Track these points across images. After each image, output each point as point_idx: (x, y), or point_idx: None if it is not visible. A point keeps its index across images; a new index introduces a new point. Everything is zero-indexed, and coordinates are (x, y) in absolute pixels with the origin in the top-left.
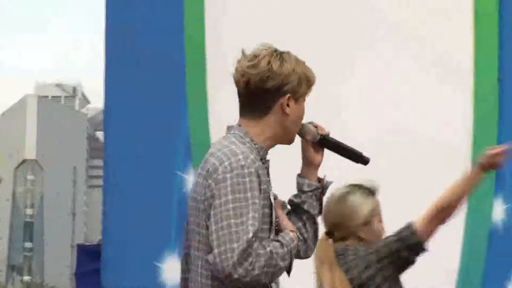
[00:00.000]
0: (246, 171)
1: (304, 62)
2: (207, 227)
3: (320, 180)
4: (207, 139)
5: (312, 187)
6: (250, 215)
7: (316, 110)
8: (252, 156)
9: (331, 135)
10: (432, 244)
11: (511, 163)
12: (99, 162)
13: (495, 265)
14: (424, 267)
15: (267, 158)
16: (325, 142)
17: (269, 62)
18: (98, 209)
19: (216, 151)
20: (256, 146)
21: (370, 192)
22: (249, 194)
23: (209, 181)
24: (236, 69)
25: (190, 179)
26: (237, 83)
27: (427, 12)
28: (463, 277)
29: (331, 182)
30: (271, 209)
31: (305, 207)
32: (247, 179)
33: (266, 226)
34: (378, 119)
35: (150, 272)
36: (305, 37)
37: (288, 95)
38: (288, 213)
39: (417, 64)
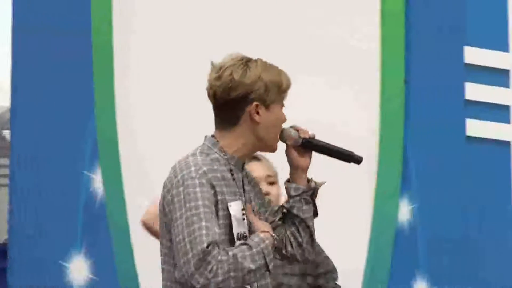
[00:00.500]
0: (197, 181)
1: (276, 68)
2: (169, 240)
3: (309, 182)
4: (115, 138)
5: (299, 191)
6: (203, 223)
7: None
8: (205, 168)
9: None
10: (338, 244)
11: (416, 164)
12: (5, 161)
13: (400, 265)
14: None
15: (243, 168)
16: (309, 145)
17: (231, 73)
18: (4, 208)
19: (177, 163)
20: (226, 157)
21: None
22: (200, 203)
23: (168, 196)
24: (207, 82)
25: (97, 178)
26: (208, 95)
27: (335, 12)
28: (369, 276)
29: (321, 183)
30: (230, 220)
31: (295, 211)
32: (197, 189)
33: (224, 237)
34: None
35: (56, 272)
36: (216, 44)
37: (255, 103)
38: (280, 219)
39: (324, 65)
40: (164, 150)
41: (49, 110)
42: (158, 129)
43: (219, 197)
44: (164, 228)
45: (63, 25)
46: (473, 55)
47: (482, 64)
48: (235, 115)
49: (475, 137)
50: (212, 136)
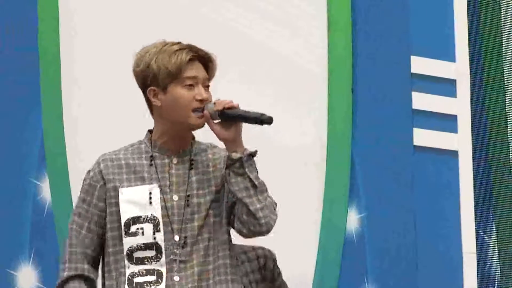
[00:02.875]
0: (87, 175)
1: (171, 50)
2: None
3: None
4: (62, 146)
5: (227, 163)
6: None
7: None
8: (102, 158)
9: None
10: (287, 253)
11: (364, 173)
12: None
13: (349, 273)
14: None
15: (168, 153)
16: (225, 117)
17: (133, 65)
18: None
19: None
20: (150, 145)
21: None
22: (81, 196)
23: None
24: None
25: (44, 186)
26: None
27: (281, 22)
28: (318, 284)
29: (249, 153)
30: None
31: (227, 185)
32: (85, 181)
33: (116, 224)
34: None
35: (4, 280)
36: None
37: (150, 88)
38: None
39: (270, 74)
40: None
41: None
42: (105, 136)
43: (110, 185)
44: None
45: (8, 28)
46: (420, 64)
47: (429, 73)
48: (148, 104)
49: (422, 147)
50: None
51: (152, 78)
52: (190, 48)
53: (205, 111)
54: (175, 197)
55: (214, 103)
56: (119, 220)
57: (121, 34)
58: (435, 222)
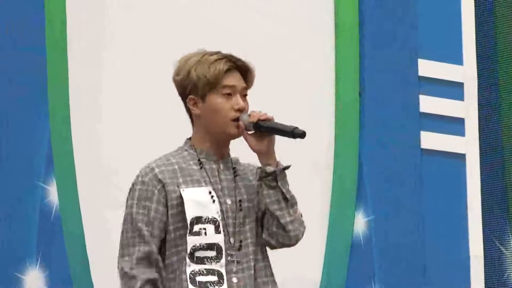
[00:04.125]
0: (139, 179)
1: (210, 59)
2: None
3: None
4: (70, 149)
5: (260, 175)
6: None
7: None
8: (153, 165)
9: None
10: (294, 256)
11: (372, 176)
12: None
13: (356, 276)
14: (286, 280)
15: (215, 159)
16: (259, 129)
17: (173, 74)
18: None
19: None
20: (195, 152)
21: None
22: (134, 202)
23: None
24: None
25: (52, 189)
26: None
27: (289, 25)
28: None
29: (283, 167)
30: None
31: (260, 196)
32: (138, 187)
33: (180, 224)
34: None
35: (12, 283)
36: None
37: (189, 96)
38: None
39: (278, 78)
40: (120, 160)
41: (1, 120)
42: (114, 139)
43: (170, 188)
44: None
45: (16, 26)
46: (427, 68)
47: (437, 77)
48: (188, 112)
49: (430, 150)
50: (190, 136)
51: (192, 87)
52: (229, 58)
53: (240, 122)
54: (228, 201)
55: (249, 115)
56: (184, 219)
57: (128, 34)
58: (443, 225)
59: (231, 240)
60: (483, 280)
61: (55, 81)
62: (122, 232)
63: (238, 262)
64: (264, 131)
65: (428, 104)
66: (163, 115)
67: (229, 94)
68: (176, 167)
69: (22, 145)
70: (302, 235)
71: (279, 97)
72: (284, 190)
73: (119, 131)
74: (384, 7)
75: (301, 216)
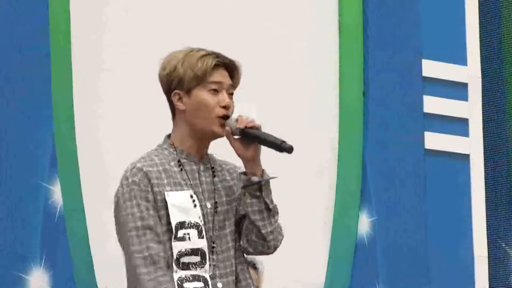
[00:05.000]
0: (130, 180)
1: (198, 54)
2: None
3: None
4: (74, 150)
5: (242, 183)
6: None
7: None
8: (139, 165)
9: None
10: (298, 258)
11: (376, 177)
12: None
13: (360, 278)
14: (289, 281)
15: (195, 160)
16: (246, 136)
17: (159, 69)
18: None
19: None
20: (175, 151)
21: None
22: (134, 202)
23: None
24: None
25: (56, 190)
26: None
27: (293, 26)
28: None
29: (268, 178)
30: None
31: (241, 204)
32: (132, 187)
33: (164, 228)
34: None
35: (16, 284)
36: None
37: (175, 91)
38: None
39: (283, 78)
40: (124, 160)
41: (6, 120)
42: (117, 139)
43: (156, 189)
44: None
45: (19, 26)
46: (431, 68)
47: (441, 77)
48: (171, 108)
49: (434, 150)
50: (170, 134)
51: (178, 81)
52: (217, 54)
53: (226, 127)
54: (208, 205)
55: (237, 120)
56: (167, 224)
57: (131, 34)
58: (447, 226)
59: (213, 244)
60: (488, 281)
61: (59, 82)
62: (128, 232)
63: (220, 266)
64: (251, 139)
65: (432, 104)
66: (167, 116)
67: (215, 90)
68: (160, 168)
69: (26, 146)
70: (280, 243)
71: (283, 97)
72: (267, 200)
73: (123, 132)
74: (388, 8)
75: (281, 225)
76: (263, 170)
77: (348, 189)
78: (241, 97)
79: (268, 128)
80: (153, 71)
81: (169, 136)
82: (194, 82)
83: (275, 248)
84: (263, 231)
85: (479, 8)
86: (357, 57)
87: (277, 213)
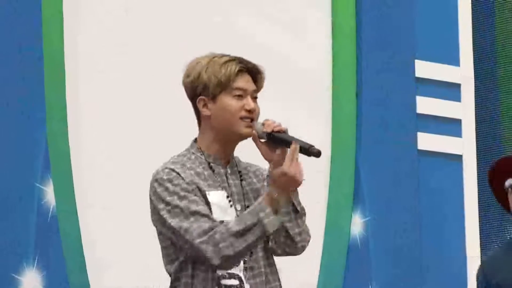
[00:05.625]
0: (165, 177)
1: (221, 61)
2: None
3: None
4: (67, 150)
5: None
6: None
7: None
8: (172, 166)
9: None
10: (291, 258)
11: (368, 177)
12: None
13: (353, 278)
14: (283, 282)
15: (222, 163)
16: (273, 140)
17: (183, 77)
18: None
19: None
20: (203, 155)
21: None
22: (181, 194)
23: (151, 205)
24: None
25: (49, 190)
26: None
27: (286, 26)
28: None
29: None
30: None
31: None
32: (169, 185)
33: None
34: None
35: (9, 284)
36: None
37: (200, 97)
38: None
39: (276, 79)
40: (117, 162)
41: None
42: (111, 140)
43: (194, 186)
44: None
45: (12, 27)
46: (424, 69)
47: (434, 78)
48: (197, 114)
49: (427, 151)
50: (196, 138)
51: (202, 88)
52: (240, 59)
53: (253, 131)
54: (238, 207)
55: (263, 124)
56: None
57: (126, 35)
58: (440, 226)
59: None
60: None
61: (52, 82)
62: (176, 227)
63: (251, 267)
64: (278, 143)
65: (425, 105)
66: (161, 118)
67: (240, 96)
68: (192, 171)
69: (19, 147)
70: (307, 244)
71: (276, 98)
72: (295, 202)
73: (116, 133)
74: (381, 9)
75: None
76: None
77: (341, 190)
78: None
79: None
80: (147, 73)
81: (195, 140)
82: (219, 89)
83: (303, 249)
84: (291, 232)
85: (472, 8)
86: (350, 58)
87: (305, 214)
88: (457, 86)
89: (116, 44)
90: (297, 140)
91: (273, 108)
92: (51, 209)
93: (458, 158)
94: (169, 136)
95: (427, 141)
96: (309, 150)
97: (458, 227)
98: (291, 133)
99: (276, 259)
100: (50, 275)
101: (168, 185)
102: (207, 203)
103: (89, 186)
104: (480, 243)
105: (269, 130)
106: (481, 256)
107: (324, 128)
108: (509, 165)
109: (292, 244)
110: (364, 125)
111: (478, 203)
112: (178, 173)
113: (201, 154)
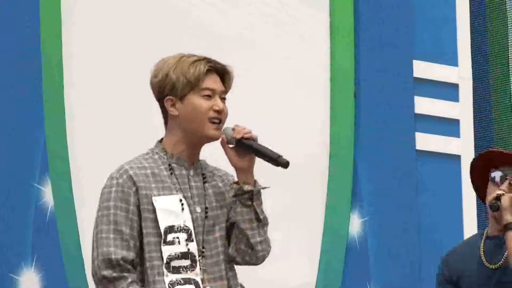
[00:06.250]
0: (114, 181)
1: (190, 60)
2: None
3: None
4: (65, 150)
5: (234, 192)
6: (111, 226)
7: None
8: (127, 166)
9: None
10: (290, 259)
11: (367, 178)
12: None
13: (352, 279)
14: (281, 282)
15: (185, 164)
16: (242, 146)
17: (151, 76)
18: None
19: None
20: (166, 155)
21: None
22: (111, 203)
23: None
24: None
25: (47, 190)
26: None
27: (283, 26)
28: None
29: (261, 187)
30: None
31: (231, 212)
32: (113, 189)
33: (151, 230)
34: None
35: (7, 285)
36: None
37: (168, 97)
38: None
39: (273, 80)
40: (115, 162)
41: None
42: (109, 140)
43: (142, 192)
44: None
45: (10, 30)
46: (422, 69)
47: (431, 78)
48: (164, 114)
49: (425, 151)
50: (162, 138)
51: (170, 87)
52: (208, 59)
53: (222, 135)
54: (198, 209)
55: (233, 129)
56: (155, 227)
57: (123, 36)
58: (438, 226)
59: (202, 248)
60: None
61: (50, 83)
62: (98, 233)
63: (209, 271)
64: (247, 150)
65: (423, 105)
66: (159, 119)
67: (208, 96)
68: (149, 171)
69: (17, 147)
70: (268, 254)
71: (274, 98)
72: (258, 210)
73: (114, 133)
74: (379, 9)
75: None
76: (255, 181)
77: (339, 190)
78: (232, 99)
79: (260, 129)
80: (147, 73)
81: (161, 140)
82: (187, 88)
83: (263, 259)
84: (252, 241)
85: (470, 9)
86: (348, 58)
87: (267, 224)
88: (455, 86)
89: (116, 45)
90: (266, 149)
91: (269, 107)
92: (49, 209)
93: (456, 158)
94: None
95: (425, 142)
96: (277, 160)
97: (456, 227)
98: (281, 133)
99: (275, 258)
100: (48, 275)
101: (111, 195)
102: (153, 210)
103: (87, 186)
104: None
105: (238, 136)
106: None
107: (323, 128)
108: (494, 158)
109: (253, 253)
110: (362, 125)
111: (476, 203)
112: (122, 187)
113: (164, 154)
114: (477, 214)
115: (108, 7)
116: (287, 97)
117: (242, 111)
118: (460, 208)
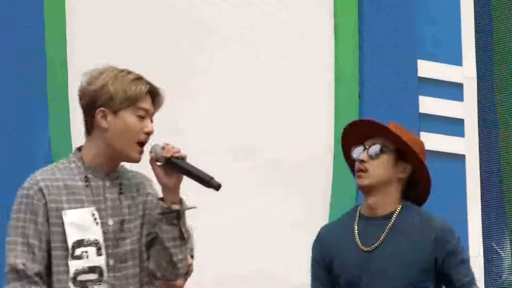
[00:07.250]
0: (24, 192)
1: (131, 77)
2: None
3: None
4: (69, 151)
5: (159, 210)
6: (19, 239)
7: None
8: (39, 177)
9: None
10: (293, 261)
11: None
12: None
13: None
14: (282, 282)
15: (102, 176)
16: (171, 165)
17: (83, 82)
18: None
19: None
20: (83, 166)
21: None
22: (21, 215)
23: None
24: None
25: None
26: None
27: (288, 27)
28: None
29: (188, 208)
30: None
31: (156, 229)
32: (23, 200)
33: (59, 244)
34: (234, 136)
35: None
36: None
37: (101, 108)
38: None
39: (278, 82)
40: None
41: (1, 123)
42: None
43: (52, 205)
44: None
45: (15, 30)
46: (427, 68)
47: (436, 77)
48: (89, 122)
49: (429, 151)
50: (81, 146)
51: (106, 99)
52: (146, 80)
53: (151, 153)
54: (110, 222)
55: (163, 148)
56: (63, 241)
57: (125, 36)
58: None
59: (111, 262)
60: (483, 281)
61: (55, 83)
62: (7, 243)
63: (117, 284)
64: (176, 169)
65: (428, 105)
66: (161, 118)
67: (141, 117)
68: (61, 183)
69: (22, 147)
70: (185, 272)
71: (279, 99)
72: (183, 229)
73: None
74: (383, 8)
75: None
76: (181, 199)
77: (344, 190)
78: (234, 97)
79: (263, 130)
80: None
81: (79, 148)
82: (125, 104)
83: (182, 275)
84: (174, 258)
85: (474, 8)
86: (352, 58)
87: (188, 240)
88: (460, 86)
89: (119, 45)
90: (195, 170)
91: (273, 108)
92: None
93: (461, 158)
94: (168, 137)
95: (429, 141)
96: (209, 182)
97: (460, 227)
98: (286, 133)
99: (277, 258)
100: None
101: (21, 206)
102: (62, 224)
103: None
104: (483, 243)
105: (168, 155)
106: (483, 256)
107: (327, 127)
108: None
109: (173, 270)
110: None
111: (481, 202)
112: (32, 198)
113: (81, 164)
114: (481, 214)
115: (110, 8)
116: (290, 98)
117: (243, 111)
118: (464, 208)
